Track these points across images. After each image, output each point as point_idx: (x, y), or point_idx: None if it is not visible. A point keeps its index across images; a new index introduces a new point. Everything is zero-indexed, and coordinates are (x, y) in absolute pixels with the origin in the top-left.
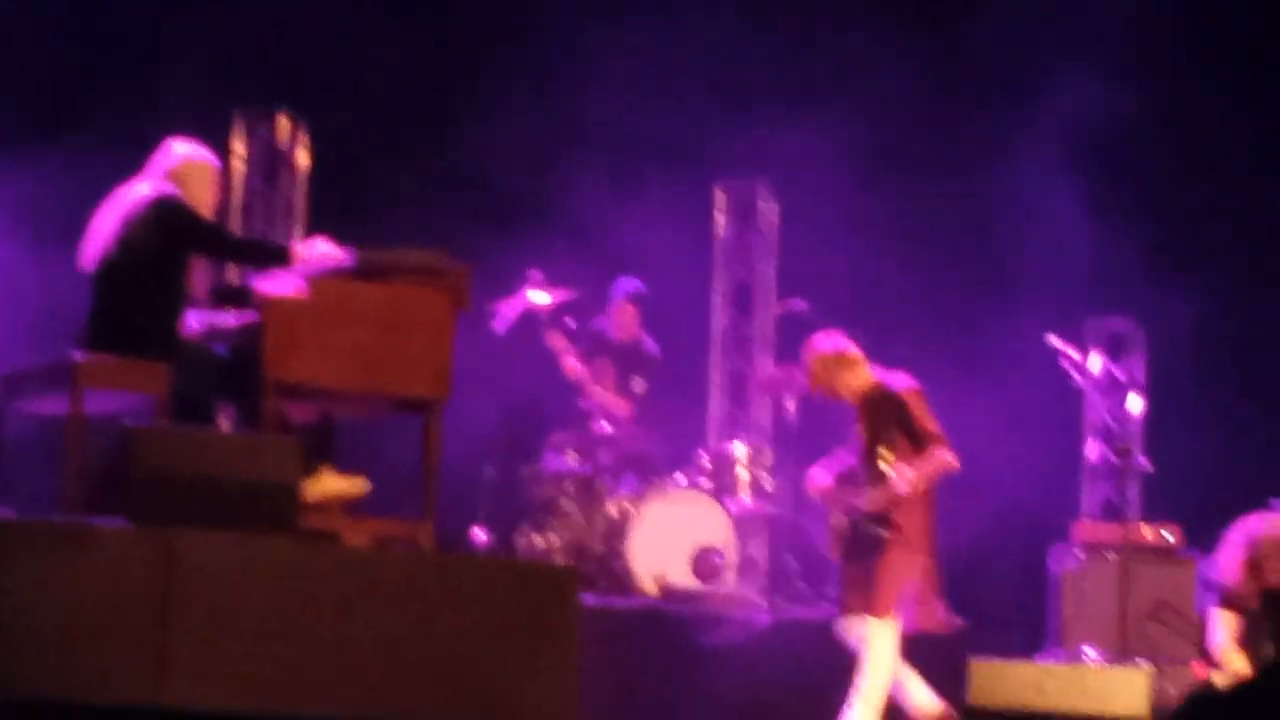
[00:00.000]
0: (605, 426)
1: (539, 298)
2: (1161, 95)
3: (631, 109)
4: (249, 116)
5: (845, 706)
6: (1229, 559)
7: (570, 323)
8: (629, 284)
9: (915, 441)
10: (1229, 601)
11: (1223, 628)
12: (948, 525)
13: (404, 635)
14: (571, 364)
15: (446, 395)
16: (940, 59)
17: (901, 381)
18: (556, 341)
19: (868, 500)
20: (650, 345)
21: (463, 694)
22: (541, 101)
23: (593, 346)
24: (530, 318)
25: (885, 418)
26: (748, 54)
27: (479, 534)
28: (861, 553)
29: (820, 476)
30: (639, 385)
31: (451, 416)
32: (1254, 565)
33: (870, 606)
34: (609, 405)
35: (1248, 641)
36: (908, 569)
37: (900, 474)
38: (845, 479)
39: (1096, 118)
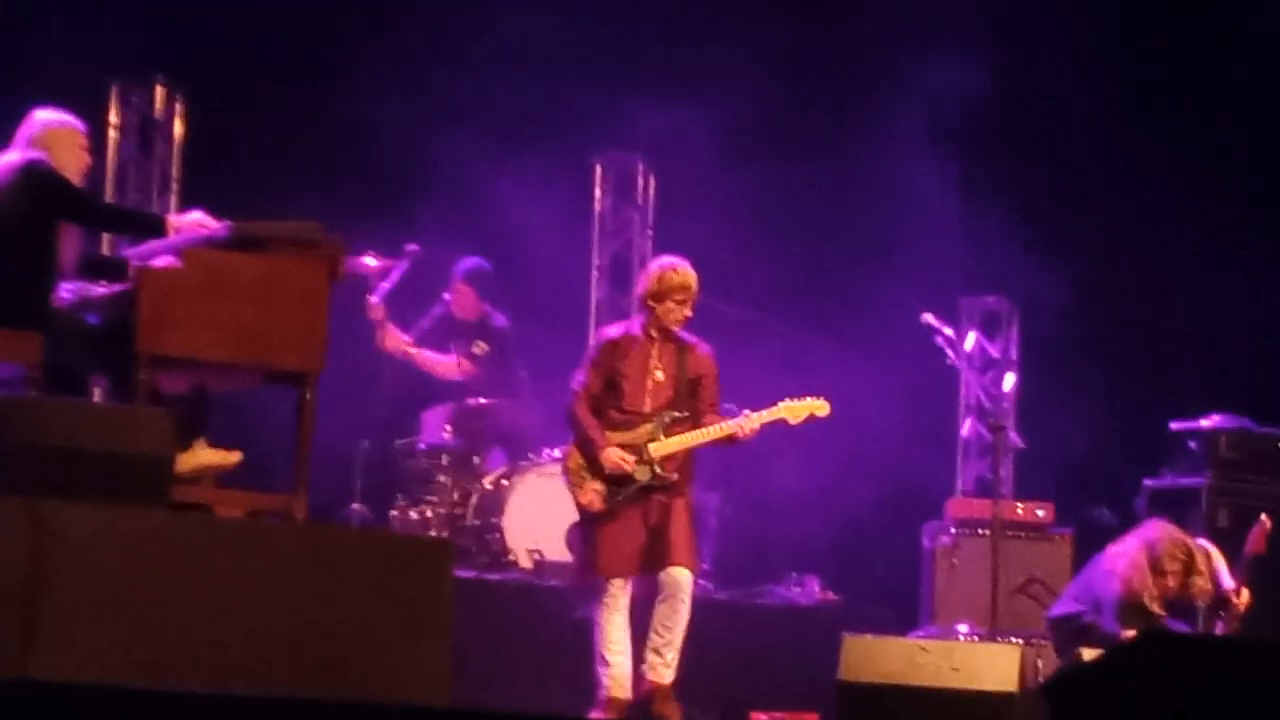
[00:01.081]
0: (480, 401)
1: (369, 264)
2: (1029, 74)
3: (511, 83)
4: (124, 85)
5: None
6: (1129, 566)
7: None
8: (466, 263)
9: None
10: (1126, 612)
11: None
12: (825, 502)
13: (276, 608)
14: (387, 337)
15: (321, 367)
16: (815, 38)
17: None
18: (376, 313)
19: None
20: (497, 319)
21: (336, 666)
22: (421, 74)
23: (437, 327)
24: (360, 284)
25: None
26: (626, 30)
27: (354, 508)
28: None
29: None
30: (480, 348)
31: (326, 390)
32: (1156, 570)
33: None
34: (441, 368)
35: None
36: None
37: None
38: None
39: (967, 98)
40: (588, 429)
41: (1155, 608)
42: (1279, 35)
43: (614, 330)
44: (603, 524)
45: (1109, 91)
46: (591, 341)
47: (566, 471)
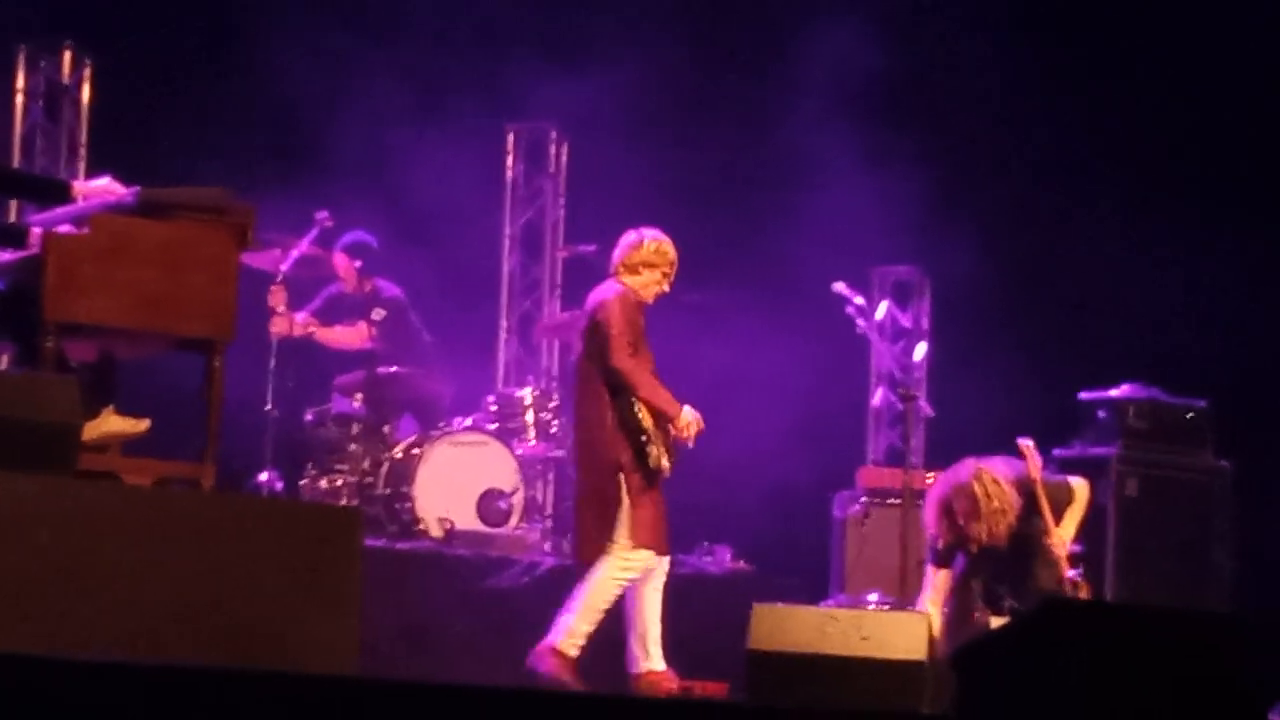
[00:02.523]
0: (391, 369)
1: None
2: (941, 42)
3: (423, 50)
4: (32, 50)
5: None
6: (928, 516)
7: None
8: (346, 237)
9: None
10: (936, 558)
11: (929, 588)
12: (737, 471)
13: (184, 576)
14: (286, 322)
15: (230, 335)
16: (726, 5)
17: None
18: (276, 299)
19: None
20: (388, 290)
21: (244, 635)
22: (333, 40)
23: (330, 305)
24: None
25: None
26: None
27: (263, 477)
28: None
29: None
30: (378, 314)
31: (236, 357)
32: (947, 514)
33: None
34: (349, 338)
35: (963, 589)
36: None
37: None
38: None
39: (877, 66)
40: (659, 387)
41: (970, 550)
42: (1192, 1)
43: (631, 292)
44: (655, 494)
45: (1021, 58)
46: (628, 301)
47: (639, 430)
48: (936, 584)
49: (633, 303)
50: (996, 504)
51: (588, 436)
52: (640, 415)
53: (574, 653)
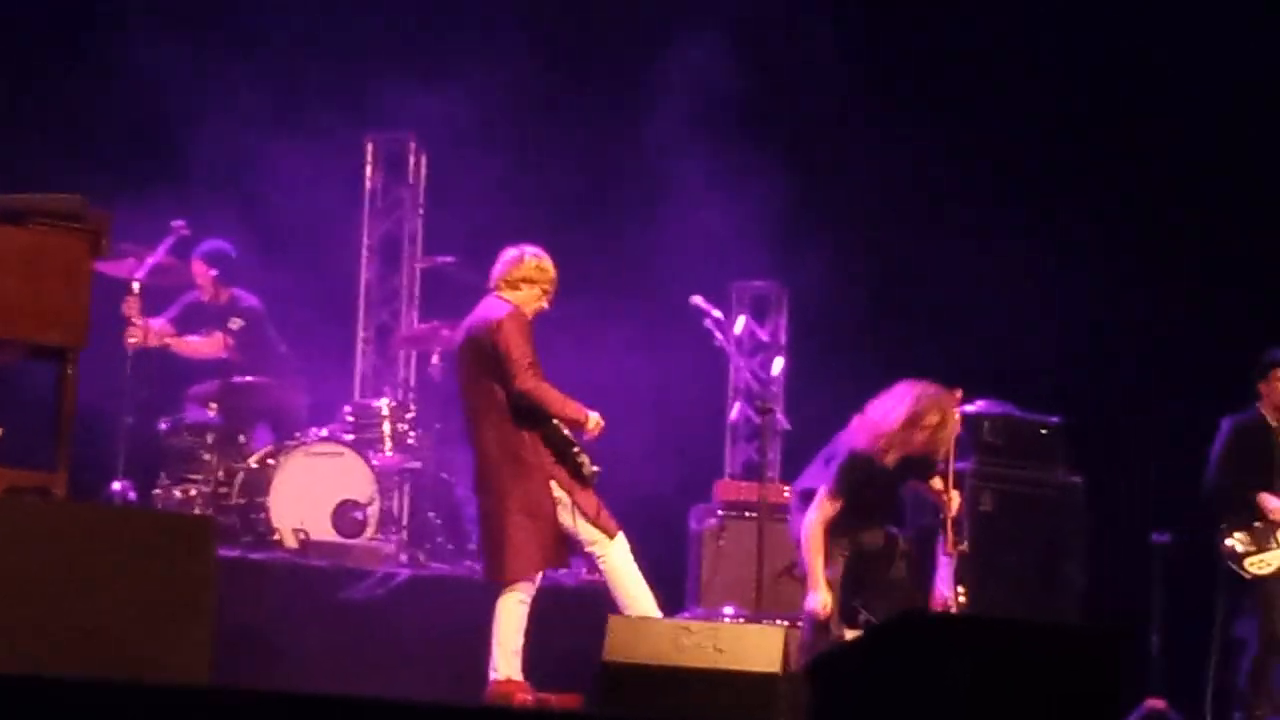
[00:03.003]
0: (246, 378)
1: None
2: (788, 57)
3: (284, 57)
4: None
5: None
6: (889, 409)
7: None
8: (204, 246)
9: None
10: (859, 462)
11: (818, 511)
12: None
13: (35, 586)
14: (141, 332)
15: (83, 343)
16: (581, 18)
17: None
18: (130, 309)
19: None
20: (246, 299)
21: (97, 644)
22: (192, 46)
23: (187, 314)
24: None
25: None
26: (394, 11)
27: (117, 486)
28: None
29: None
30: (235, 323)
31: (89, 366)
32: (911, 421)
33: None
34: (205, 348)
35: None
36: None
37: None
38: None
39: (729, 82)
40: (566, 399)
41: (889, 459)
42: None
43: (518, 309)
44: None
45: (874, 72)
46: (520, 319)
47: (566, 444)
48: (827, 513)
49: (524, 320)
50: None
51: (503, 459)
52: (560, 430)
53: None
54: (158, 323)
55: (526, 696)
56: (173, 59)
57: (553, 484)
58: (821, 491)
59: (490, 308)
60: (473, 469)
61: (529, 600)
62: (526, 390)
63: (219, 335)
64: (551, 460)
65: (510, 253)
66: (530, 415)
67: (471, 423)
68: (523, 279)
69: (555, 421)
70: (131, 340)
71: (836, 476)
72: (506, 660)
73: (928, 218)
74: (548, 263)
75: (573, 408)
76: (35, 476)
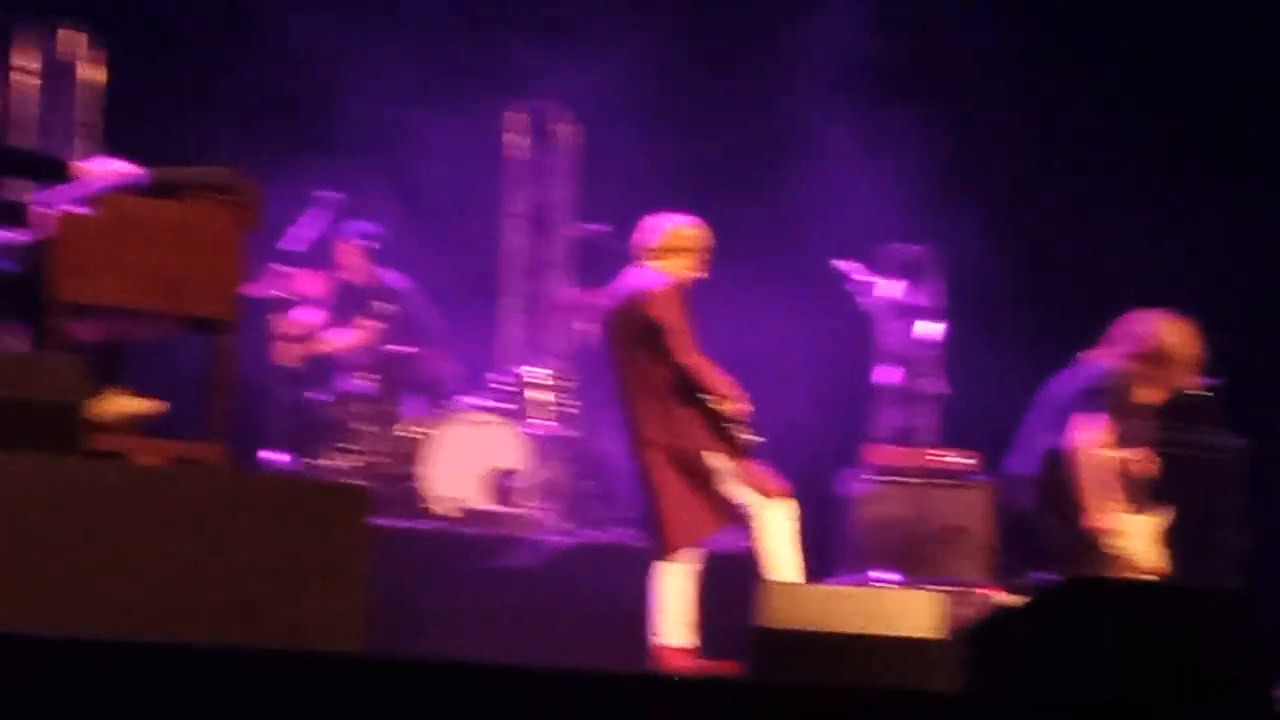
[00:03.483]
0: (400, 348)
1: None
2: (939, 17)
3: (432, 27)
4: (35, 29)
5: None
6: (1141, 335)
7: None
8: (352, 226)
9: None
10: (1119, 390)
11: (1089, 430)
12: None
13: (192, 555)
14: (293, 349)
15: (237, 315)
16: None
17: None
18: (279, 327)
19: None
20: (393, 280)
21: (253, 613)
22: (335, 21)
23: (335, 302)
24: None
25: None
26: None
27: (273, 456)
28: None
29: None
30: (385, 309)
31: (245, 337)
32: (1162, 357)
33: None
34: (352, 340)
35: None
36: None
37: None
38: None
39: (874, 44)
40: (721, 377)
41: (1146, 397)
42: None
43: (673, 279)
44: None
45: (1030, 31)
46: (673, 291)
47: (722, 418)
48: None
49: (676, 290)
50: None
51: (657, 431)
52: (718, 405)
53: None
54: (305, 319)
55: (684, 663)
56: (319, 31)
57: (706, 454)
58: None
59: (641, 278)
60: (627, 440)
61: (695, 570)
62: (685, 364)
63: (369, 324)
64: (705, 430)
65: (653, 221)
66: (684, 387)
67: (624, 394)
68: (667, 248)
69: (710, 399)
70: (283, 358)
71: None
72: (675, 628)
73: (1084, 179)
74: (695, 230)
75: (724, 382)
76: (194, 448)
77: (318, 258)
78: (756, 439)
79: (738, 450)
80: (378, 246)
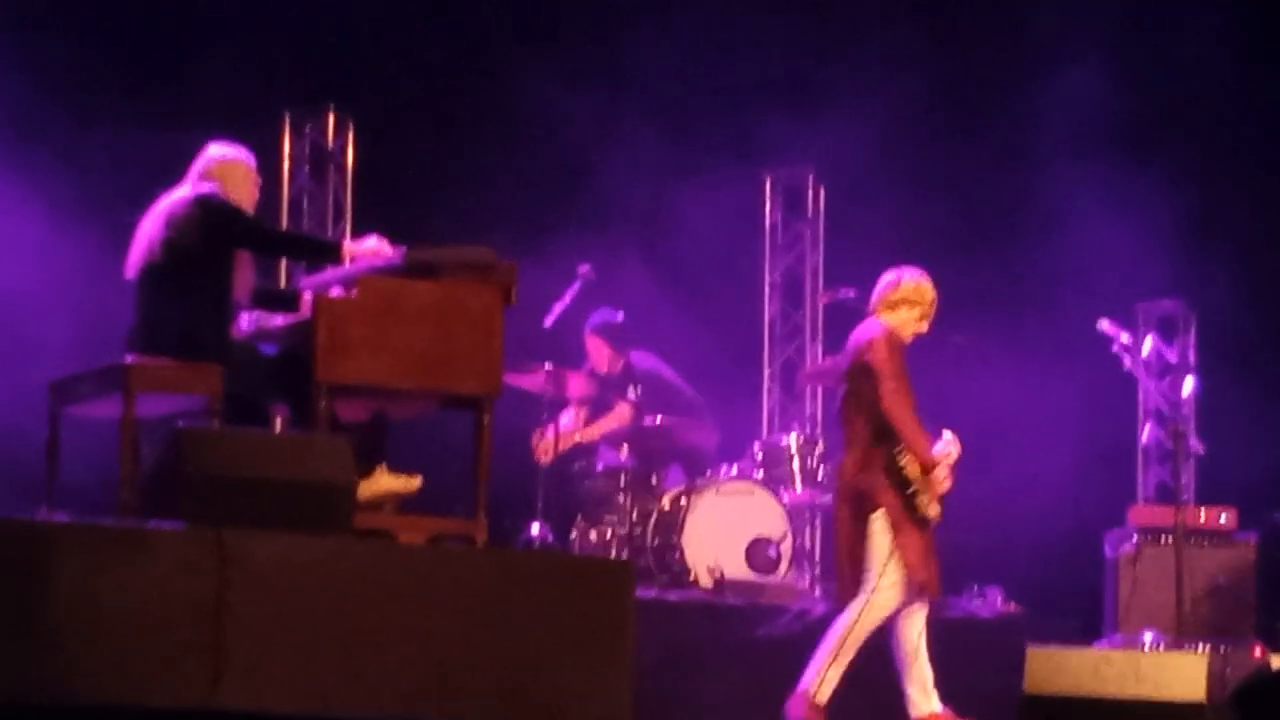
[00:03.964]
0: (657, 420)
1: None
2: (1177, 69)
3: (681, 100)
4: (296, 114)
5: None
6: None
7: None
8: (594, 318)
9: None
10: None
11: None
12: (1006, 512)
13: (459, 633)
14: (554, 447)
15: (498, 391)
16: (966, 51)
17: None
18: (538, 438)
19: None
20: (641, 361)
21: (519, 692)
22: (586, 98)
23: (595, 398)
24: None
25: None
26: (792, 45)
27: (535, 530)
28: None
29: None
30: (636, 391)
31: (511, 415)
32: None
33: None
34: (614, 423)
35: None
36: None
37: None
38: None
39: (1118, 99)
40: (924, 436)
41: None
42: None
43: (894, 331)
44: (925, 537)
45: (1270, 77)
46: (894, 339)
47: (905, 481)
48: None
49: (898, 341)
50: None
51: (853, 481)
52: (905, 463)
53: (825, 698)
54: (565, 424)
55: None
56: (569, 107)
57: (878, 514)
58: None
59: (867, 328)
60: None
61: (909, 624)
62: (888, 407)
63: (623, 407)
64: (889, 488)
65: (888, 276)
66: (886, 437)
67: (844, 442)
68: (900, 300)
69: (903, 450)
70: (544, 458)
71: None
72: (925, 693)
73: None
74: (926, 284)
75: (924, 444)
76: (457, 524)
77: (575, 342)
78: (937, 516)
79: (914, 518)
80: (622, 331)
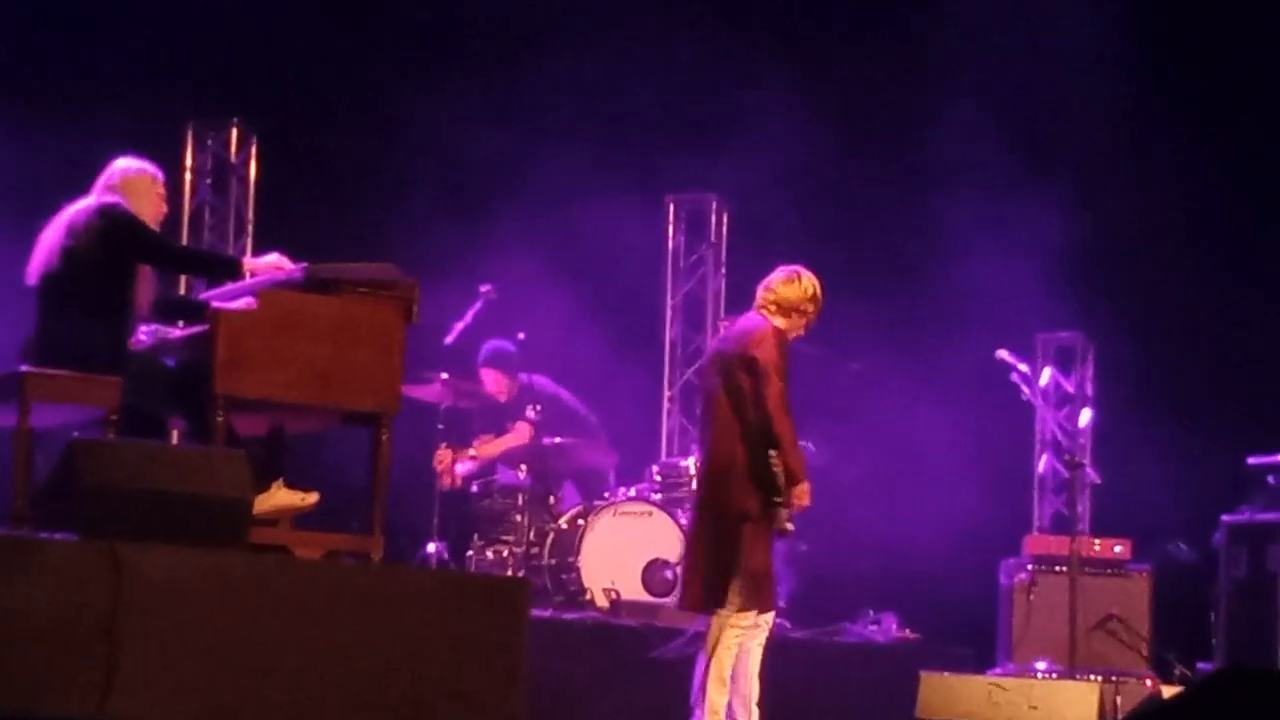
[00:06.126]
0: (555, 440)
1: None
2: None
3: (585, 125)
4: (199, 127)
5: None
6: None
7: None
8: (484, 350)
9: None
10: None
11: None
12: (902, 539)
13: (354, 649)
14: (446, 479)
15: (396, 408)
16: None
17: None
18: (440, 462)
19: None
20: (537, 383)
21: (413, 706)
22: (492, 118)
23: (486, 417)
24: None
25: None
26: (696, 74)
27: (432, 548)
28: None
29: None
30: (534, 411)
31: (400, 428)
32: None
33: None
34: (511, 441)
35: None
36: None
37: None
38: None
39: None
40: (797, 447)
41: None
42: None
43: (783, 333)
44: (769, 551)
45: (1172, 112)
46: (783, 340)
47: (773, 488)
48: None
49: (786, 341)
50: None
51: (720, 479)
52: (776, 471)
53: None
54: (463, 467)
55: None
56: (475, 128)
57: (746, 526)
58: None
59: (754, 321)
60: (697, 479)
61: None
62: (774, 409)
63: (522, 425)
64: (755, 500)
65: (783, 272)
66: (757, 441)
67: (701, 437)
68: (795, 307)
69: (774, 459)
70: (445, 484)
71: None
72: (747, 710)
73: (1235, 262)
74: (820, 293)
75: (799, 458)
76: (352, 540)
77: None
78: (790, 528)
79: (768, 531)
80: (514, 358)
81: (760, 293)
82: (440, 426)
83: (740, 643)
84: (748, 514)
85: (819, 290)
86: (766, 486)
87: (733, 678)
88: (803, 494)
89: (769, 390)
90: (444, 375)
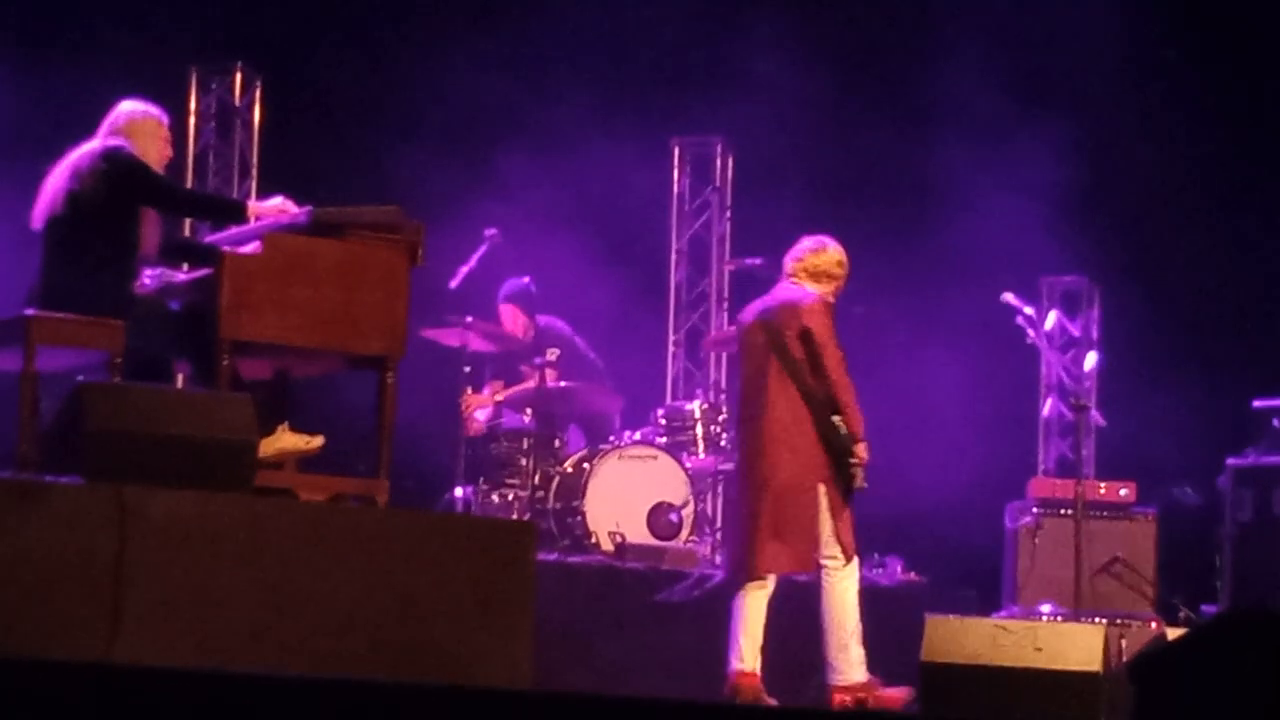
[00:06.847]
0: (560, 383)
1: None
2: (1071, 39)
3: (591, 68)
4: (204, 71)
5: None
6: None
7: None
8: (505, 287)
9: None
10: None
11: None
12: (908, 483)
13: (358, 592)
14: (473, 425)
15: (402, 352)
16: (870, 27)
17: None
18: (467, 404)
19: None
20: (553, 325)
21: (418, 649)
22: (497, 62)
23: (504, 361)
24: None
25: None
26: (701, 17)
27: (459, 493)
28: None
29: None
30: (552, 353)
31: (409, 372)
32: None
33: None
34: (527, 389)
35: None
36: None
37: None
38: None
39: (1022, 74)
40: (858, 409)
41: None
42: None
43: (825, 298)
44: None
45: (1177, 51)
46: (829, 309)
47: (846, 450)
48: None
49: (831, 310)
50: None
51: (781, 446)
52: (844, 433)
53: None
54: (485, 391)
55: (863, 695)
56: (482, 69)
57: (822, 486)
58: None
59: (798, 293)
60: (742, 454)
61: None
62: (837, 377)
63: (534, 373)
64: (826, 462)
65: (813, 242)
66: (822, 408)
67: (751, 408)
68: (825, 273)
69: (839, 423)
70: (471, 429)
71: None
72: (755, 653)
73: (1242, 203)
74: (845, 258)
75: (859, 419)
76: (358, 484)
77: (480, 304)
78: (863, 485)
79: (848, 491)
80: (533, 296)
81: (790, 263)
82: (466, 369)
83: (848, 586)
84: (823, 475)
85: (843, 256)
86: (838, 448)
87: (834, 619)
88: (864, 451)
89: (829, 358)
90: (469, 318)
